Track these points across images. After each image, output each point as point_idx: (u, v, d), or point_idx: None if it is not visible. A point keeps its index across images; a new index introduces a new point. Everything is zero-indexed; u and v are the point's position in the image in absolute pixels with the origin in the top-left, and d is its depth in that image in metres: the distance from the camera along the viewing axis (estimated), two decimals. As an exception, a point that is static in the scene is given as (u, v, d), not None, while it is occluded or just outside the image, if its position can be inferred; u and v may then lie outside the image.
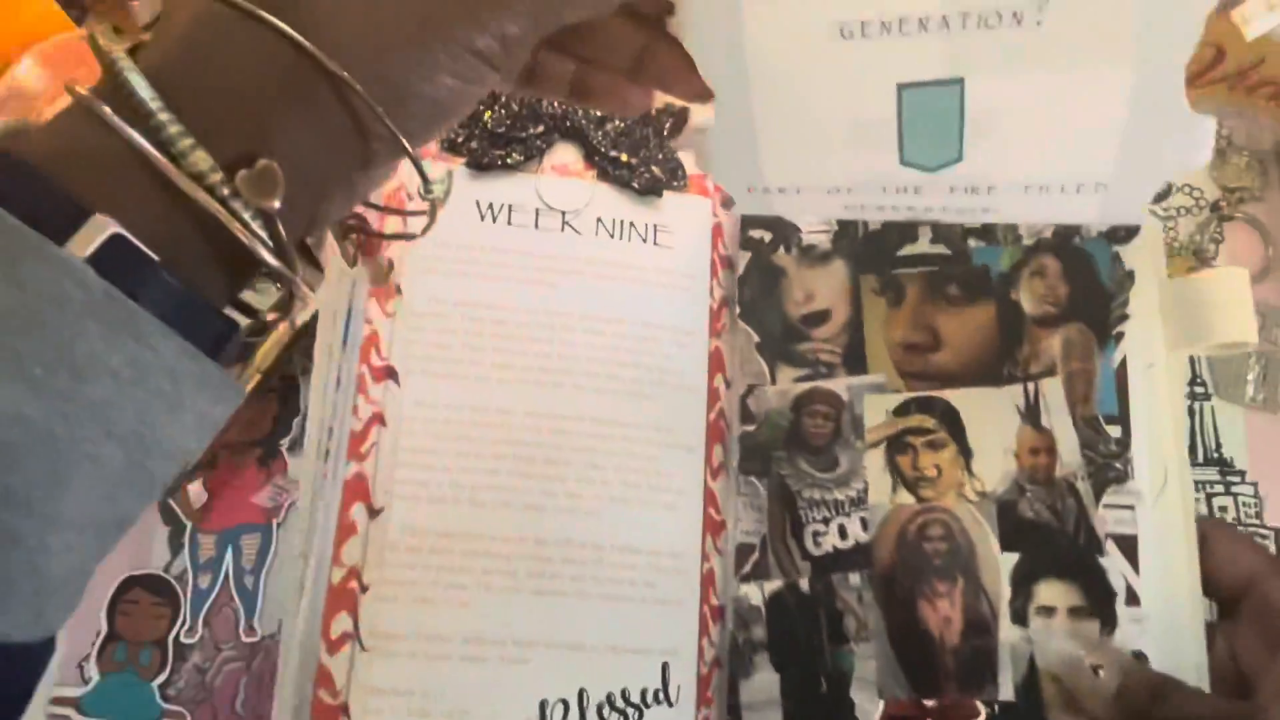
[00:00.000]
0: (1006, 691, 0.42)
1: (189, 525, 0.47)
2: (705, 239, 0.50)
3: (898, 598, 0.44)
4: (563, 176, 0.50)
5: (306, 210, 0.24)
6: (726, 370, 0.49)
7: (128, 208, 0.21)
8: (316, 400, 0.44)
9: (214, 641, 0.46)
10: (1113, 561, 0.43)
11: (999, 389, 0.46)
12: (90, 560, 0.23)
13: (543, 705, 0.42)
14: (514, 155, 0.49)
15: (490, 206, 0.48)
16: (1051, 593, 0.43)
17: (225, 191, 0.22)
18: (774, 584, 0.44)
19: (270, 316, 0.25)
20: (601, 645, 0.43)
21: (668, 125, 0.51)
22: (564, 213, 0.49)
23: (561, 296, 0.47)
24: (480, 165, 0.49)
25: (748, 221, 0.50)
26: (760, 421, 0.47)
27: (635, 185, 0.50)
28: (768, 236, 0.49)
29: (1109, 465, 0.44)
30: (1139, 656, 0.42)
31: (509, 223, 0.48)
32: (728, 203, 0.51)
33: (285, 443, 0.48)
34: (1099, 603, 0.43)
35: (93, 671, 0.45)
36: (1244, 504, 0.50)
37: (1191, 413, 0.51)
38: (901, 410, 0.46)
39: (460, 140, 0.49)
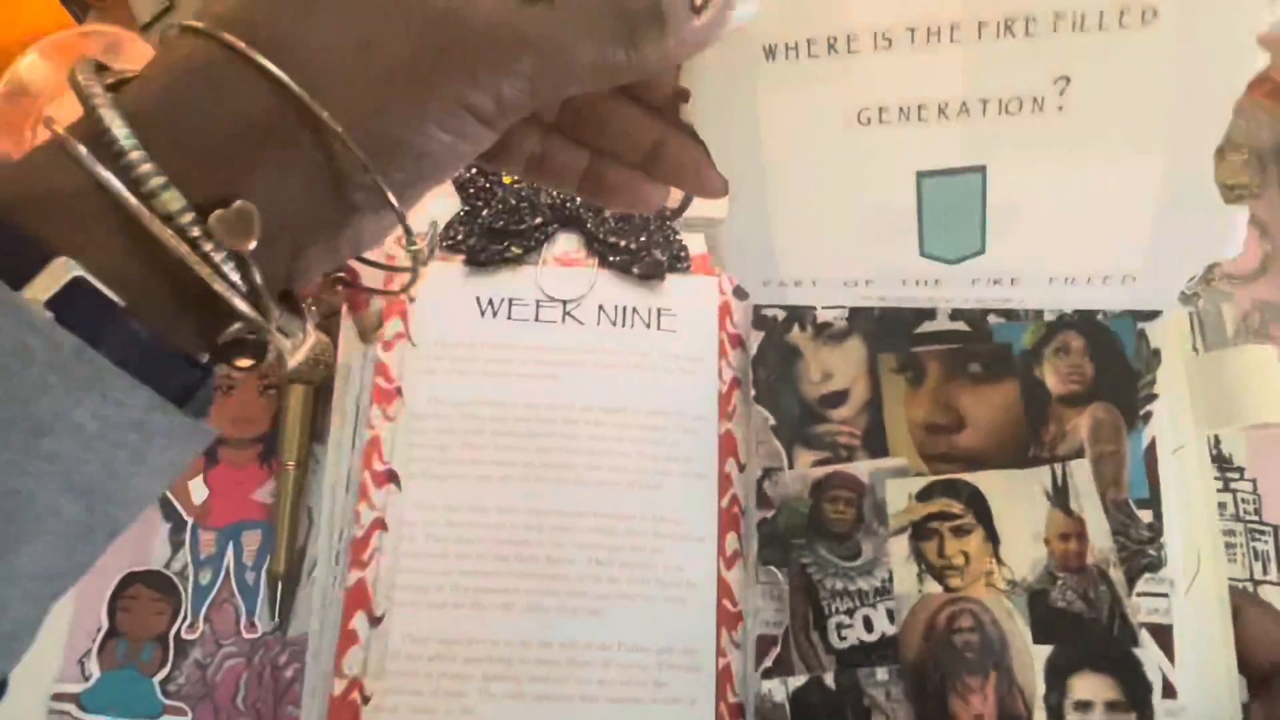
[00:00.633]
0: (1044, 792, 0.40)
1: (190, 521, 0.47)
2: (712, 319, 0.49)
3: (928, 693, 0.42)
4: (563, 266, 0.49)
5: (285, 258, 0.23)
6: (739, 454, 0.47)
7: (93, 250, 0.21)
8: (329, 504, 0.43)
9: (215, 637, 0.46)
10: (1148, 653, 0.41)
11: (1025, 471, 0.44)
12: (44, 606, 0.22)
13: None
14: (513, 249, 0.48)
15: (490, 302, 0.48)
16: (1087, 686, 0.41)
17: (195, 233, 0.21)
18: (798, 680, 0.43)
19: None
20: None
21: (670, 210, 0.51)
22: (565, 302, 0.48)
23: (563, 389, 0.46)
24: (479, 262, 0.48)
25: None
26: (778, 507, 0.46)
27: (636, 270, 0.49)
28: (781, 314, 0.49)
29: (1142, 552, 0.42)
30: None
31: (509, 316, 0.48)
32: (740, 294, 0.50)
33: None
34: (1136, 697, 0.41)
35: (94, 668, 0.45)
36: (1243, 500, 0.49)
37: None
38: (925, 494, 0.45)
39: (459, 239, 0.48)
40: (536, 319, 0.48)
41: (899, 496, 0.45)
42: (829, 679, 0.43)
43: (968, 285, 0.34)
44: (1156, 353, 0.44)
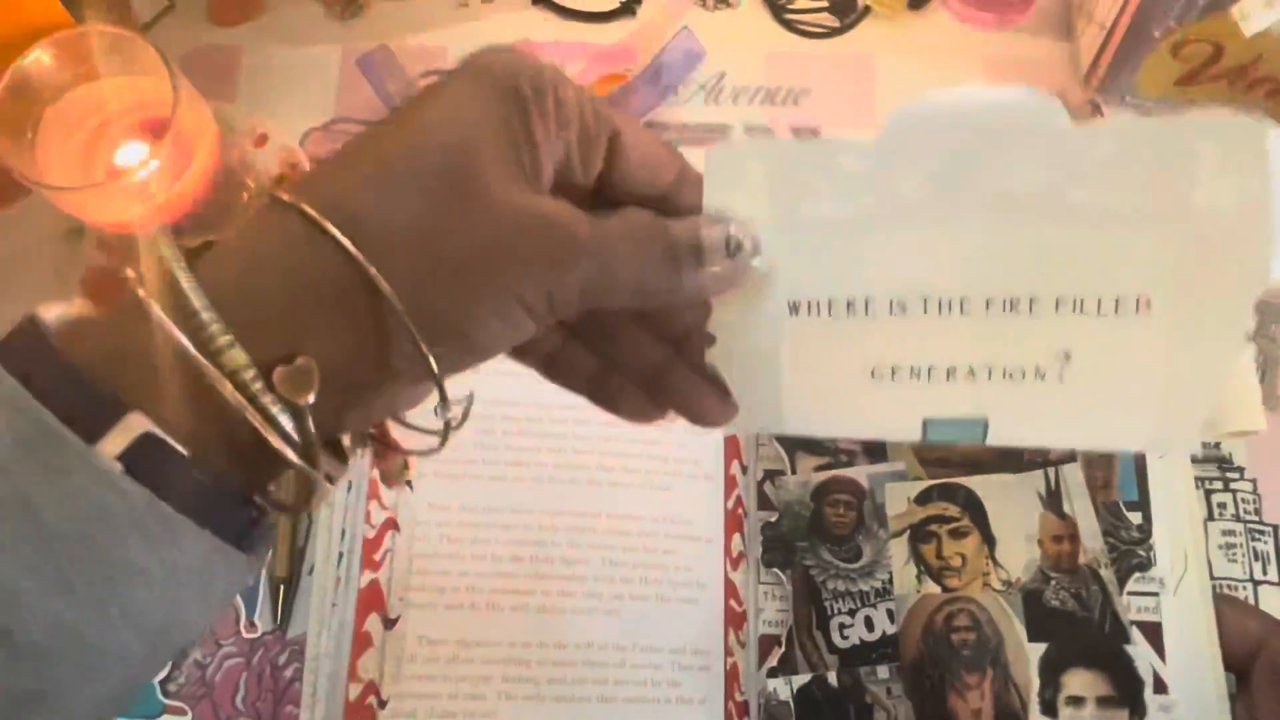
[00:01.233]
0: (1039, 784, 0.42)
1: (190, 521, 0.47)
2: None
3: (927, 690, 0.43)
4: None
5: (332, 413, 0.25)
6: (743, 456, 0.48)
7: (163, 403, 0.22)
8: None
9: (214, 637, 0.46)
10: (1139, 650, 0.43)
11: (1019, 475, 0.46)
12: None
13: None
14: None
15: None
16: (1080, 682, 0.43)
17: (256, 387, 0.23)
18: (801, 678, 0.44)
19: (290, 504, 0.26)
20: (628, 750, 0.42)
21: None
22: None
23: None
24: None
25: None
26: (781, 511, 0.47)
27: None
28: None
29: (1131, 552, 0.44)
30: (1169, 746, 0.41)
31: None
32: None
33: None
34: (1128, 692, 0.42)
35: (94, 667, 0.44)
36: (1242, 500, 0.49)
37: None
38: (923, 498, 0.46)
39: None
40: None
41: (898, 500, 0.46)
42: (832, 677, 0.44)
43: None
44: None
